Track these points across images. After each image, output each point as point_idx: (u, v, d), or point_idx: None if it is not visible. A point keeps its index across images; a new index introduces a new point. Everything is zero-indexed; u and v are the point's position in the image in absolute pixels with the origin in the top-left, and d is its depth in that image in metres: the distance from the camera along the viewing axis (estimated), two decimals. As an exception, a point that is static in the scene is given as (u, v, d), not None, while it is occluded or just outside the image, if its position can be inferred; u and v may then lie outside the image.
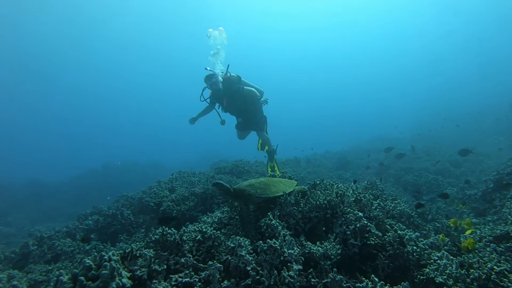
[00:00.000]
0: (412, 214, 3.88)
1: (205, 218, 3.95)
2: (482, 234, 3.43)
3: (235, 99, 7.11)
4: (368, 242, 2.95)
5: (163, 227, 2.86)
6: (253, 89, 7.19)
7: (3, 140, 44.63)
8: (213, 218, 3.89)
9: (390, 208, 3.75)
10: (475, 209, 5.70)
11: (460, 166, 9.77)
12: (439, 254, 2.80)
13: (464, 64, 47.79)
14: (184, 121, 7.66)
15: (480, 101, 26.08)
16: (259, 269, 2.51)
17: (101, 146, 47.65)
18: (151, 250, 2.71)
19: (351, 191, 3.66)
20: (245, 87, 7.09)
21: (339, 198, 3.29)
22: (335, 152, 19.19)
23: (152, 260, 2.55)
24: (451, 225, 4.03)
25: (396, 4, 49.56)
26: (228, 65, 7.23)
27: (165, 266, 2.57)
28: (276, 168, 8.26)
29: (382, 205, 3.69)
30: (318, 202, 3.30)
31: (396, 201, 4.18)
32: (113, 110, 58.26)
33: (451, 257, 2.74)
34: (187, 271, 2.59)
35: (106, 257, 2.46)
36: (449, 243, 3.06)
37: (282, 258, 2.57)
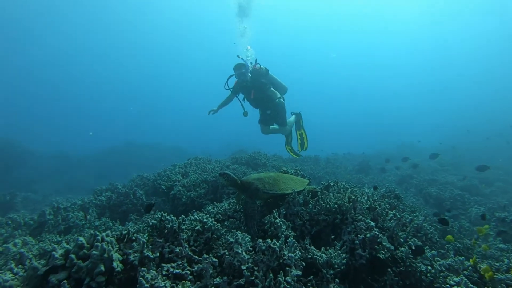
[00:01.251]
0: (431, 230, 3.60)
1: (210, 208, 3.82)
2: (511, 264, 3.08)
3: (262, 93, 7.07)
4: (378, 255, 2.71)
5: (161, 212, 2.75)
6: (276, 92, 7.19)
7: (35, 111, 46.50)
8: (219, 208, 3.75)
9: (407, 220, 3.48)
10: (504, 234, 5.27)
11: (491, 185, 9.18)
12: (456, 279, 2.53)
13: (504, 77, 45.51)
14: (208, 109, 7.62)
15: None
16: (255, 269, 2.34)
17: (126, 124, 48.73)
18: (146, 235, 2.60)
19: (365, 198, 3.42)
20: (271, 88, 7.13)
21: (351, 203, 3.06)
22: (357, 154, 18.68)
23: (145, 246, 2.43)
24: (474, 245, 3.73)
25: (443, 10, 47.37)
26: (256, 59, 7.23)
27: (158, 254, 2.45)
28: (304, 136, 8.47)
29: (398, 216, 3.42)
30: (328, 205, 3.09)
31: (414, 214, 3.89)
32: (141, 94, 59.33)
33: (471, 285, 2.46)
34: (180, 262, 2.46)
35: (99, 237, 2.36)
36: (470, 268, 2.77)
37: (281, 261, 2.39)
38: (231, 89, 7.27)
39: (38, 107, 49.01)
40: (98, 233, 2.39)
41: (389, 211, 3.44)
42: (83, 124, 47.35)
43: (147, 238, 2.56)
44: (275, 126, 7.85)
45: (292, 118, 8.29)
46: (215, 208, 3.79)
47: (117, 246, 2.49)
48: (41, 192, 14.07)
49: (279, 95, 7.17)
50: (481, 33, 47.83)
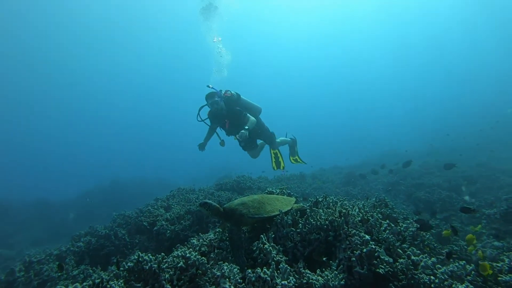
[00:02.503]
0: (427, 236, 3.44)
1: (194, 240, 3.56)
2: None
3: (237, 121, 6.71)
4: (377, 270, 2.52)
5: (138, 252, 2.49)
6: (253, 119, 6.76)
7: (11, 159, 44.97)
8: (204, 240, 3.49)
9: (401, 229, 3.32)
10: (496, 230, 5.18)
11: (474, 182, 9.22)
12: (462, 287, 2.35)
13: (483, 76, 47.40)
14: (192, 139, 7.39)
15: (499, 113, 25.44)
16: (246, 304, 2.11)
17: (109, 163, 47.57)
18: (121, 281, 2.33)
19: (357, 210, 3.26)
20: (248, 114, 6.73)
21: (342, 218, 2.88)
22: (343, 167, 18.68)
23: (120, 294, 2.17)
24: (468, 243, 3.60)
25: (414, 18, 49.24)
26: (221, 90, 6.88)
27: (136, 301, 2.19)
28: (299, 160, 8.41)
29: (392, 225, 3.27)
30: (318, 223, 2.90)
31: (408, 221, 3.74)
32: (122, 128, 58.41)
33: (477, 290, 2.30)
34: (162, 306, 2.20)
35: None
36: (473, 272, 2.61)
37: (274, 291, 2.17)
38: (206, 121, 7.01)
39: (12, 153, 47.47)
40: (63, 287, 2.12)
41: (383, 221, 3.28)
42: (65, 167, 45.92)
43: (122, 285, 2.30)
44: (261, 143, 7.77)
45: (284, 139, 8.24)
46: (200, 240, 3.53)
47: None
48: (17, 246, 13.22)
49: (253, 120, 6.75)
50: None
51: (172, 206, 6.55)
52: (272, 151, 8.21)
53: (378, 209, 3.67)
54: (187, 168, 38.05)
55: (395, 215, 3.98)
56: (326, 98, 63.68)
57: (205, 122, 7.04)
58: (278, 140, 7.83)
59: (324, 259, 2.76)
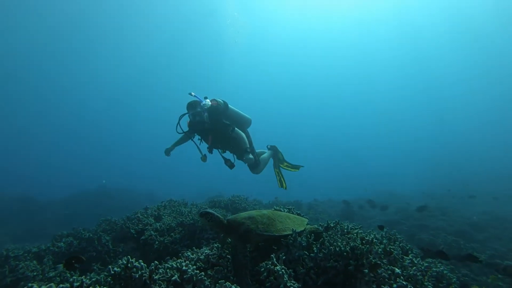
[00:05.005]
0: (453, 279, 3.05)
1: (189, 253, 3.14)
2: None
3: (223, 136, 5.96)
4: (405, 312, 2.13)
5: (128, 257, 2.09)
6: (244, 138, 6.04)
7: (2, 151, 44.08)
8: (199, 254, 3.08)
9: (423, 268, 2.94)
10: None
11: (482, 230, 8.83)
12: None
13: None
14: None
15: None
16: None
17: (98, 169, 46.67)
18: (104, 289, 1.92)
19: (375, 240, 2.88)
20: (236, 129, 5.97)
21: (366, 245, 2.50)
22: (338, 201, 18.22)
23: (101, 305, 1.76)
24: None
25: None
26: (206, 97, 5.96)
27: (119, 316, 1.77)
28: (291, 166, 7.62)
29: (415, 262, 2.89)
30: (338, 249, 2.51)
31: (429, 260, 3.36)
32: (115, 136, 57.85)
33: None
34: (149, 327, 1.78)
35: (33, 292, 1.68)
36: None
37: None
38: (185, 132, 6.05)
39: (5, 148, 46.47)
40: (36, 286, 1.71)
41: (405, 256, 2.91)
42: (54, 167, 44.89)
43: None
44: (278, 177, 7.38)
45: (267, 154, 7.28)
46: (195, 254, 3.12)
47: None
48: (-3, 241, 12.55)
49: (246, 142, 6.02)
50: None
51: (163, 217, 6.09)
52: (281, 167, 7.66)
53: (397, 242, 3.29)
54: (175, 184, 37.26)
55: (416, 251, 3.60)
56: (321, 130, 63.62)
57: (190, 137, 6.21)
58: (260, 161, 6.78)
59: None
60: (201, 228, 5.23)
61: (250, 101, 55.86)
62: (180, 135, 6.21)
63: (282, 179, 7.63)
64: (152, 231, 5.23)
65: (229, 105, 6.05)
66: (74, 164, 46.01)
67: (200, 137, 6.16)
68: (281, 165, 7.60)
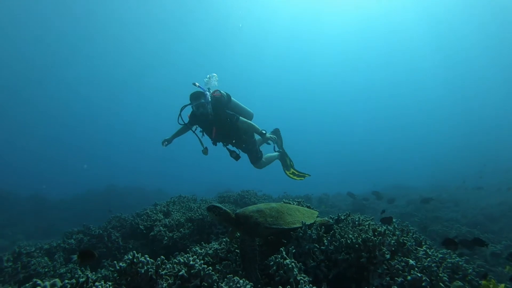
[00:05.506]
0: (469, 269, 2.94)
1: (197, 248, 3.09)
2: None
3: (227, 128, 5.76)
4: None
5: (133, 252, 2.05)
6: (252, 123, 5.88)
7: (11, 151, 44.74)
8: (208, 249, 3.03)
9: (437, 259, 2.84)
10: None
11: (497, 221, 8.63)
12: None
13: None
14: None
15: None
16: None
17: (107, 167, 47.12)
18: (110, 284, 1.88)
19: (387, 232, 2.79)
20: (241, 117, 5.77)
21: (379, 237, 2.41)
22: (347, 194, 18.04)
23: (106, 301, 1.71)
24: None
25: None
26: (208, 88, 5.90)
27: (125, 312, 1.73)
28: (298, 174, 7.09)
29: (429, 253, 2.80)
30: (349, 241, 2.43)
31: (443, 251, 3.25)
32: (123, 134, 58.19)
33: None
34: (156, 323, 1.74)
35: (38, 288, 1.65)
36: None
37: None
38: (186, 124, 5.93)
39: (16, 147, 47.21)
40: (40, 282, 1.67)
41: (418, 248, 2.81)
42: (63, 166, 45.49)
43: (111, 286, 1.85)
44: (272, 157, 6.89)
45: (271, 155, 7.04)
46: (204, 249, 3.07)
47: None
48: (11, 238, 12.81)
49: (259, 129, 5.85)
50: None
51: (172, 213, 6.07)
52: (287, 173, 7.19)
53: (411, 234, 3.19)
54: (185, 182, 37.40)
55: (429, 242, 3.50)
56: (330, 125, 62.93)
57: (191, 129, 6.04)
58: (264, 158, 6.62)
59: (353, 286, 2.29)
60: (210, 223, 5.20)
61: (255, 95, 55.61)
62: (180, 126, 6.09)
63: (299, 176, 7.15)
64: (161, 227, 5.22)
65: (231, 98, 5.93)
66: (83, 163, 46.53)
67: (202, 129, 6.00)
68: (287, 172, 7.21)
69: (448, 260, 2.94)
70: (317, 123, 62.08)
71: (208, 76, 6.47)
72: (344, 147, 57.10)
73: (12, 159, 42.02)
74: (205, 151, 5.99)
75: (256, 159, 6.42)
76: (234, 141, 6.12)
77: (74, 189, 23.99)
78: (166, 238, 4.93)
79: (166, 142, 6.25)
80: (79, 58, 44.89)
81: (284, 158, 7.18)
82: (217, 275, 2.35)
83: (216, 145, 6.18)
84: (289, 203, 3.89)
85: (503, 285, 2.93)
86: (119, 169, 45.45)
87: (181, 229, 5.15)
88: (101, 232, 5.99)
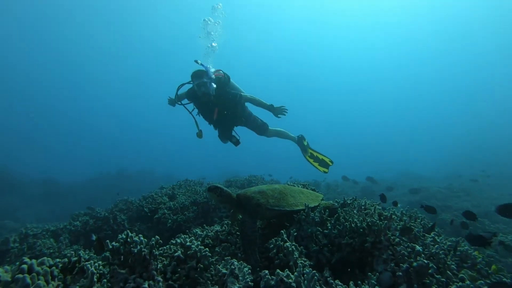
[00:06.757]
0: (479, 258, 2.82)
1: (198, 230, 3.03)
2: None
3: (230, 107, 5.56)
4: (427, 293, 1.94)
5: (127, 231, 1.98)
6: (256, 97, 5.72)
7: (25, 136, 45.42)
8: (208, 231, 2.97)
9: (445, 247, 2.72)
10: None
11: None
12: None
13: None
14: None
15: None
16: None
17: (119, 151, 47.59)
18: (100, 263, 1.82)
19: (394, 216, 2.67)
20: (243, 94, 5.68)
21: (385, 221, 2.30)
22: (357, 181, 17.86)
23: (95, 280, 1.65)
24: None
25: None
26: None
27: (115, 292, 1.67)
28: (316, 154, 6.81)
29: (438, 240, 2.68)
30: (353, 225, 2.33)
31: (452, 239, 3.13)
32: (135, 118, 58.44)
33: None
34: (148, 304, 1.67)
35: (25, 267, 1.58)
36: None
37: (297, 303, 1.61)
38: (187, 106, 5.74)
39: (28, 131, 47.92)
40: (27, 259, 1.61)
41: (427, 234, 2.69)
42: (75, 149, 46.11)
43: (102, 268, 1.78)
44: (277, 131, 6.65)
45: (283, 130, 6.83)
46: (205, 231, 3.01)
47: (61, 279, 1.71)
48: (23, 220, 13.07)
49: (265, 103, 5.68)
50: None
51: (177, 196, 6.04)
52: (306, 157, 6.94)
53: (419, 220, 3.07)
54: (195, 166, 37.57)
55: (437, 229, 3.37)
56: (343, 112, 62.06)
57: (186, 108, 5.76)
58: (271, 128, 6.45)
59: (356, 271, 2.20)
60: (215, 207, 5.16)
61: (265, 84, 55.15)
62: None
63: (318, 163, 6.89)
64: (165, 210, 5.19)
65: (231, 79, 5.72)
66: (95, 147, 47.09)
67: (198, 111, 5.78)
68: (306, 156, 6.95)
69: (457, 248, 2.82)
70: (329, 111, 61.40)
71: (212, 43, 6.29)
72: (360, 137, 56.42)
73: (25, 143, 42.71)
74: (199, 134, 5.86)
75: (264, 130, 6.30)
76: (236, 122, 5.99)
77: (86, 173, 24.28)
78: (170, 221, 4.90)
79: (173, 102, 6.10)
80: (89, 44, 45.12)
81: (301, 143, 6.92)
82: (216, 257, 2.29)
83: (216, 128, 6.04)
84: (294, 185, 3.79)
85: (494, 265, 2.83)
86: (131, 153, 45.89)
87: (186, 212, 5.12)
88: (106, 214, 5.99)
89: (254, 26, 48.56)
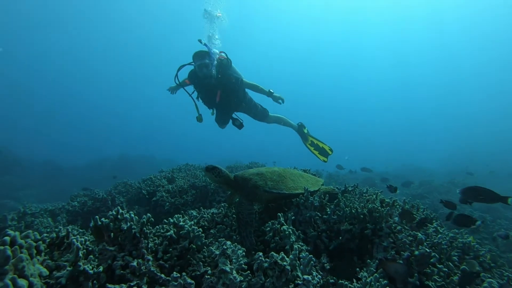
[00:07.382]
0: (482, 251, 2.74)
1: (194, 212, 2.96)
2: None
3: (232, 91, 5.43)
4: (427, 283, 1.86)
5: (118, 208, 1.90)
6: (256, 83, 5.65)
7: (27, 117, 45.51)
8: (204, 213, 2.89)
9: (447, 238, 2.63)
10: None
11: (510, 207, 8.32)
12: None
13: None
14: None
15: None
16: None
17: (121, 137, 47.74)
18: (88, 239, 1.74)
19: (396, 204, 2.58)
20: (244, 79, 5.57)
21: (386, 208, 2.21)
22: (359, 172, 17.80)
23: (81, 256, 1.57)
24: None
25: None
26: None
27: (102, 269, 1.59)
28: (317, 142, 6.67)
29: (440, 230, 2.59)
30: (354, 211, 2.24)
31: (455, 230, 3.04)
32: (137, 105, 58.38)
33: None
34: (136, 282, 1.60)
35: (7, 238, 1.50)
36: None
37: (292, 286, 1.53)
38: (187, 88, 5.60)
39: (31, 114, 47.99)
40: (10, 231, 1.54)
41: (429, 224, 2.60)
42: (77, 133, 46.26)
43: (90, 244, 1.71)
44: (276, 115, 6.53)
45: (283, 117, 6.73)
46: (201, 213, 2.93)
47: (47, 254, 1.64)
48: (23, 200, 13.12)
49: (264, 89, 5.64)
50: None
51: (177, 179, 5.97)
52: (306, 145, 6.83)
53: (421, 210, 2.98)
54: (199, 153, 37.62)
55: (440, 220, 3.29)
56: (346, 103, 61.67)
57: (185, 90, 5.61)
58: (271, 114, 6.35)
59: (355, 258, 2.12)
60: (213, 191, 5.09)
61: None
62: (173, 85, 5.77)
63: (318, 151, 6.78)
64: (163, 192, 5.12)
65: (232, 64, 5.50)
66: (96, 131, 47.21)
67: (199, 93, 5.58)
68: (307, 144, 6.83)
69: (460, 239, 2.73)
70: (332, 101, 61.14)
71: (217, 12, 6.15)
72: (364, 129, 56.13)
73: (27, 125, 42.84)
74: (199, 118, 5.73)
75: (264, 116, 6.22)
76: (238, 107, 5.86)
77: (88, 158, 24.36)
78: (167, 203, 4.84)
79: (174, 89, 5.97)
80: (93, 32, 44.83)
81: (302, 130, 6.83)
82: (210, 239, 2.21)
83: (213, 114, 5.88)
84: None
85: (471, 237, 2.76)
86: (132, 139, 46.01)
87: (184, 196, 5.04)
88: (105, 196, 5.93)
89: (256, 25, 48.00)
